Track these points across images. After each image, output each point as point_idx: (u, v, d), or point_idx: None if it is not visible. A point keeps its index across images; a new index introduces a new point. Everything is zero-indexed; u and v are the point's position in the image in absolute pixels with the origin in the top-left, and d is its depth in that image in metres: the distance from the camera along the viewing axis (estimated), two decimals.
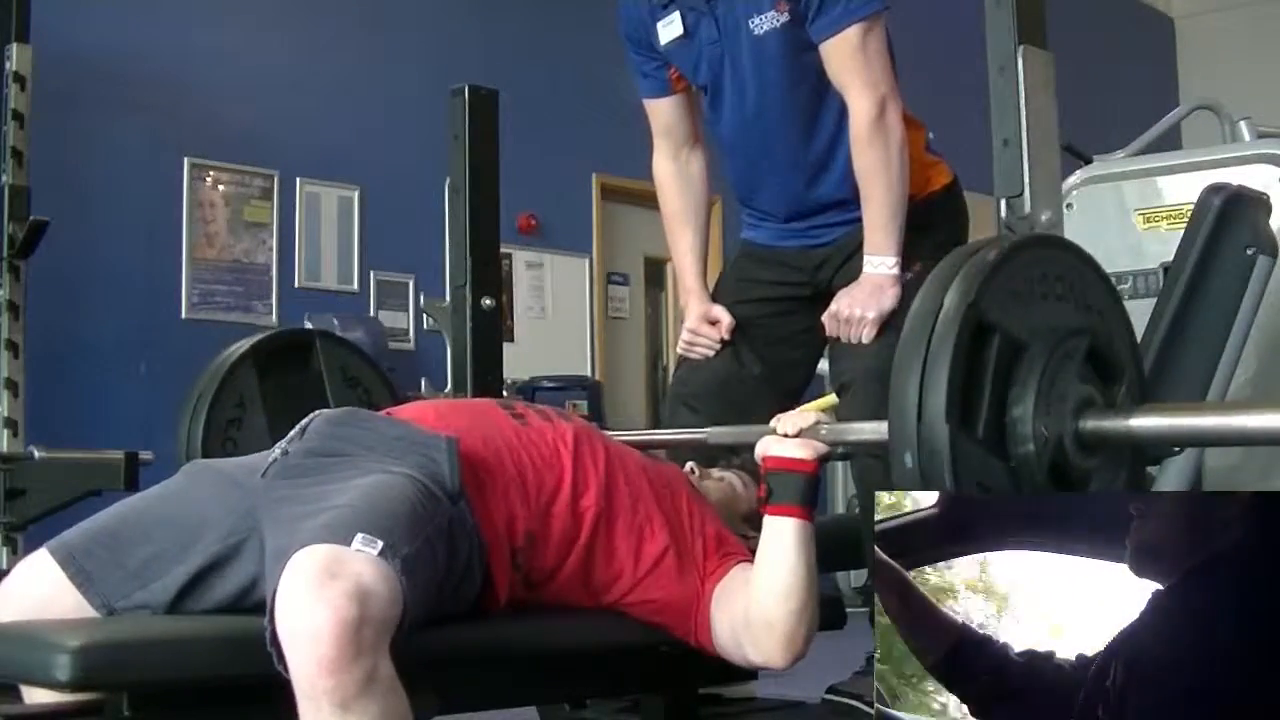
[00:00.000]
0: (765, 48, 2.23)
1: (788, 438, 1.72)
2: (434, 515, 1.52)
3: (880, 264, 2.19)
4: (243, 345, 2.48)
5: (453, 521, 1.56)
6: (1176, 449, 2.39)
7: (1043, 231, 1.71)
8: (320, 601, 1.31)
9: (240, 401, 2.43)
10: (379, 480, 1.53)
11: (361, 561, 1.36)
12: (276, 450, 1.66)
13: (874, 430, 1.67)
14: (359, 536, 1.38)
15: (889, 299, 2.16)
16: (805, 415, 1.76)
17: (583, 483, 1.71)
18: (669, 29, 2.32)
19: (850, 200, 2.24)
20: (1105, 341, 1.54)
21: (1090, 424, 1.47)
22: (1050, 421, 1.43)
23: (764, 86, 2.27)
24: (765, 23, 2.21)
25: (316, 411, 1.72)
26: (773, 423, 1.76)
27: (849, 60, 2.16)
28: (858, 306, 2.18)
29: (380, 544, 1.38)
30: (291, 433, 1.69)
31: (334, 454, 1.64)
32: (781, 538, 1.67)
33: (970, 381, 1.41)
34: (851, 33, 2.15)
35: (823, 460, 1.70)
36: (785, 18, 2.20)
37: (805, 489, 1.68)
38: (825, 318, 2.23)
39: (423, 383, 5.28)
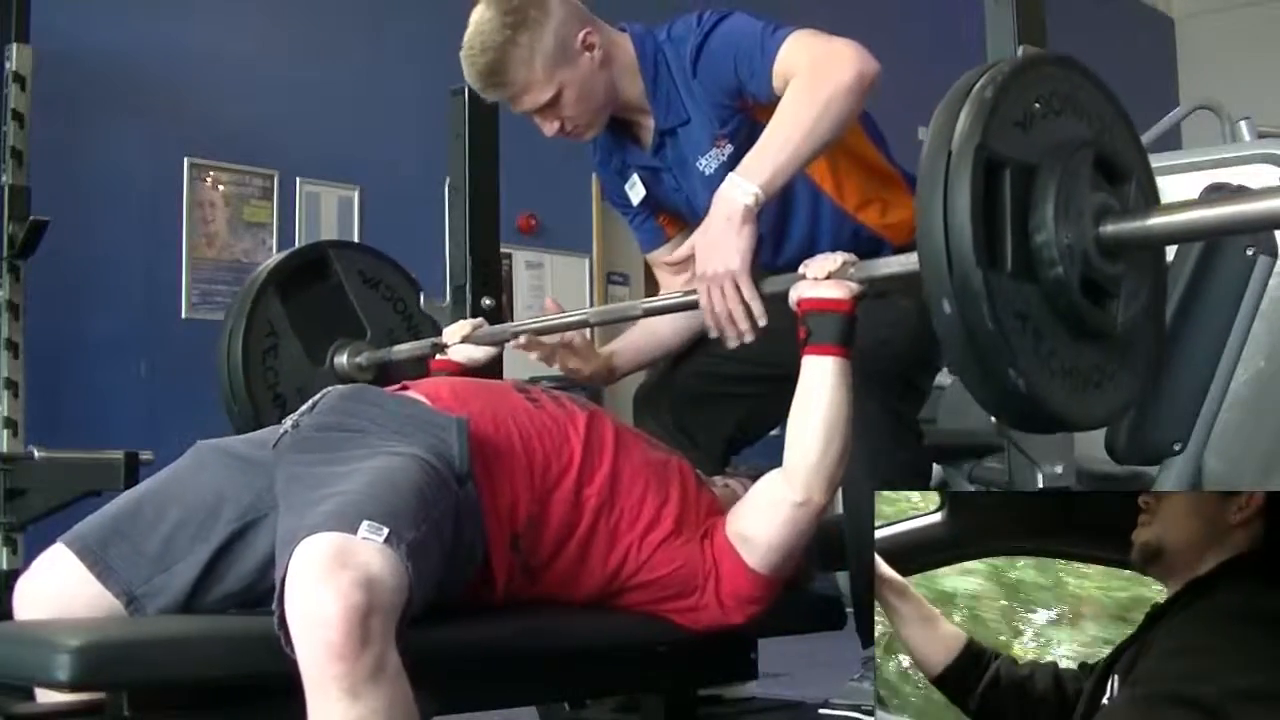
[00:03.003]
0: (717, 184, 2.01)
1: (820, 281, 1.76)
2: (441, 499, 1.52)
3: (741, 188, 1.85)
4: (260, 274, 2.54)
5: (460, 504, 1.56)
6: (1177, 447, 2.39)
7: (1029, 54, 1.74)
8: (329, 590, 1.31)
9: (271, 330, 2.49)
10: (387, 463, 1.53)
11: (369, 550, 1.36)
12: (287, 423, 1.67)
13: (901, 264, 1.74)
14: (365, 524, 1.38)
15: (745, 238, 1.83)
16: (832, 258, 1.78)
17: (589, 472, 1.72)
18: (634, 192, 2.29)
19: None
20: (1110, 146, 1.58)
21: (1109, 229, 1.51)
22: (1072, 236, 1.48)
23: None
24: (711, 161, 2.12)
25: (328, 388, 1.73)
26: (801, 268, 1.79)
27: (794, 72, 1.93)
28: (716, 258, 1.84)
29: (386, 530, 1.39)
30: (303, 406, 1.70)
31: (345, 429, 1.64)
32: (824, 375, 1.73)
33: (990, 217, 1.45)
34: (780, 67, 1.95)
35: (856, 300, 1.75)
36: (729, 149, 2.08)
37: (843, 328, 1.74)
38: (696, 279, 1.90)
39: None
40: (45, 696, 1.51)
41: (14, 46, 4.07)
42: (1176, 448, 2.39)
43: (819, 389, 1.74)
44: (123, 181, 5.01)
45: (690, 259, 1.92)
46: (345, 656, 1.30)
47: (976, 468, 3.40)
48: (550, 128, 2.16)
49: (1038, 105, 1.52)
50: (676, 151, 2.18)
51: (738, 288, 1.84)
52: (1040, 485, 1.87)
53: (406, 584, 1.38)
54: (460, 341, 2.26)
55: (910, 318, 2.08)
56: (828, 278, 1.75)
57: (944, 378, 3.81)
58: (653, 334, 2.36)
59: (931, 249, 1.44)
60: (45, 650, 1.36)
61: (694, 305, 1.93)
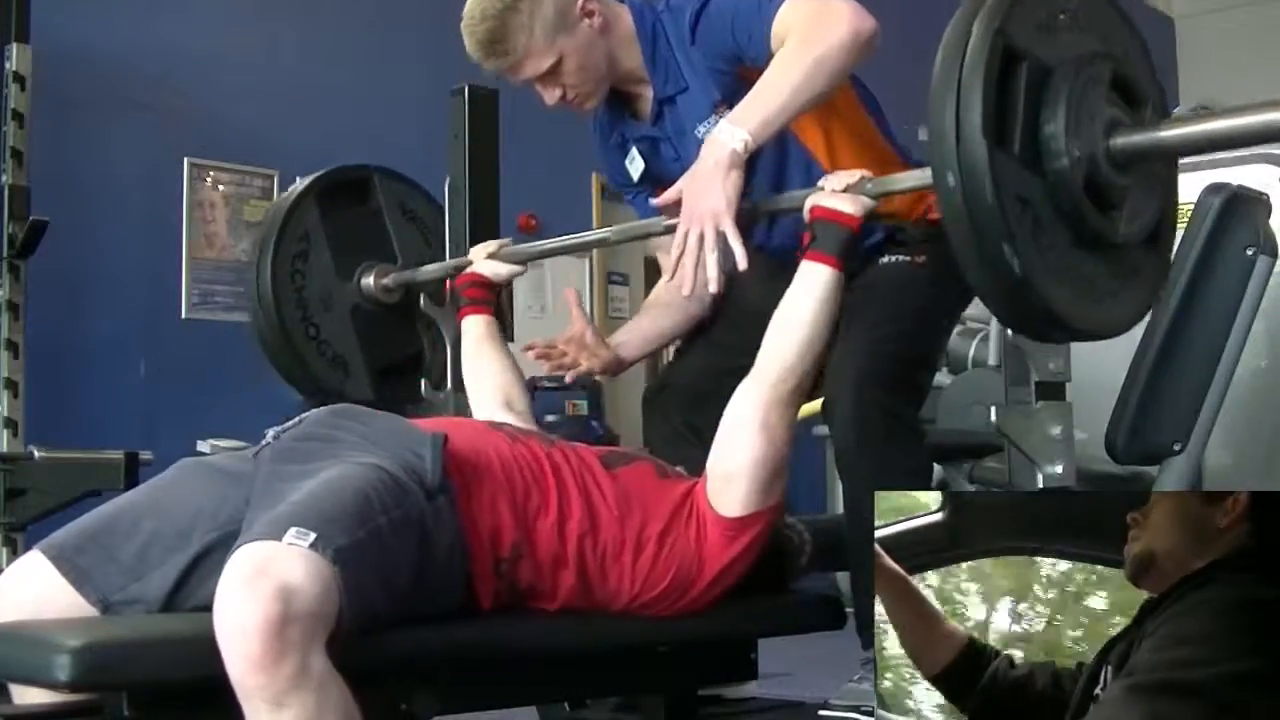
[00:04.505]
0: None
1: (836, 193, 1.81)
2: (394, 506, 1.51)
3: (730, 134, 1.87)
4: (301, 184, 2.67)
5: (426, 515, 1.55)
6: (1177, 447, 2.39)
7: None
8: (247, 600, 1.31)
9: (304, 235, 2.60)
10: (340, 471, 1.53)
11: (291, 557, 1.35)
12: (269, 435, 1.68)
13: (917, 178, 1.79)
14: (292, 530, 1.38)
15: (732, 181, 1.86)
16: (851, 173, 1.84)
17: (567, 505, 1.71)
18: (634, 167, 2.30)
19: None
20: (1128, 69, 1.60)
21: (1120, 140, 1.54)
22: (1081, 141, 1.50)
23: None
24: (710, 128, 2.05)
25: (315, 408, 1.74)
26: (820, 182, 1.85)
27: (790, 30, 1.94)
28: (703, 200, 1.86)
29: (313, 535, 1.38)
30: (290, 422, 1.70)
31: (320, 439, 1.65)
32: (816, 282, 1.78)
33: (1003, 105, 1.48)
34: (777, 28, 1.96)
35: (866, 218, 1.80)
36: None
37: (844, 242, 1.79)
38: (681, 219, 1.91)
39: (422, 384, 5.26)
40: (23, 696, 1.51)
41: (14, 46, 4.07)
42: (1176, 448, 2.39)
43: (808, 296, 1.78)
44: (123, 181, 5.02)
45: (676, 204, 1.94)
46: (264, 668, 1.29)
47: (976, 468, 3.41)
48: (551, 96, 2.18)
49: (1062, 16, 1.55)
50: (675, 120, 2.19)
51: (718, 232, 1.86)
52: (1040, 485, 1.87)
53: (333, 589, 1.37)
54: (485, 259, 2.30)
55: (909, 316, 2.09)
56: (845, 190, 1.81)
57: (944, 378, 3.82)
58: (656, 321, 2.39)
59: (940, 121, 1.46)
60: (45, 650, 1.36)
61: None
